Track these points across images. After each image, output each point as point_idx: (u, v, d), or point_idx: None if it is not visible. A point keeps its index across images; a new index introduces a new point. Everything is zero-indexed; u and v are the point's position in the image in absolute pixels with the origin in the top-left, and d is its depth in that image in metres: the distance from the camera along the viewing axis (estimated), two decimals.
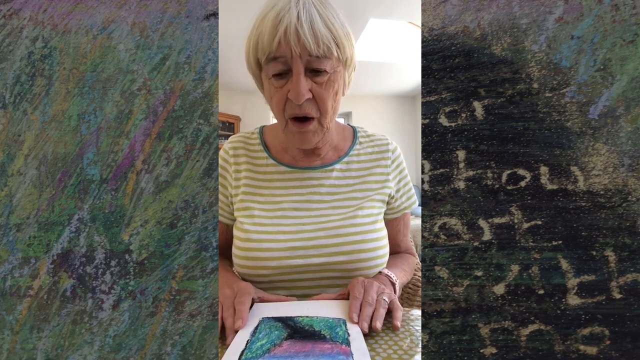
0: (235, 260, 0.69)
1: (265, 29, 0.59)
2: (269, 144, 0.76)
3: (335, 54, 0.61)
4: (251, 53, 0.65)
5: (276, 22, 0.58)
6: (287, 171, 0.73)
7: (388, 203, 0.76)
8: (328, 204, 0.71)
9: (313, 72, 0.61)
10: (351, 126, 0.81)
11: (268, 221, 0.68)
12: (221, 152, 0.76)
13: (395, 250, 0.81)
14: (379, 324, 0.51)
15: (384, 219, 0.75)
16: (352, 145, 0.76)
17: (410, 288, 0.92)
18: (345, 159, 0.74)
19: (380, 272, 0.68)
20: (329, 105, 0.63)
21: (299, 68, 0.59)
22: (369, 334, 0.50)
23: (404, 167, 0.78)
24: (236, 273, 0.73)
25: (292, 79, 0.60)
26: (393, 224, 0.78)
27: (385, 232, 0.72)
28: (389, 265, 0.72)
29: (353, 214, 0.69)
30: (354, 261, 0.66)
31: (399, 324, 0.52)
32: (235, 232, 0.70)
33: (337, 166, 0.73)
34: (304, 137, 0.65)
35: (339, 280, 0.67)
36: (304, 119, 0.64)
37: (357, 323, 0.51)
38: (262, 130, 0.79)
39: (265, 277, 0.66)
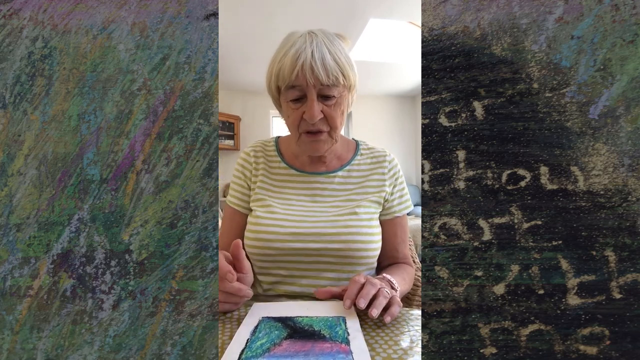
0: (246, 241, 0.80)
1: (286, 63, 0.74)
2: (283, 151, 0.90)
3: (342, 82, 0.75)
4: (272, 81, 0.79)
5: (295, 58, 0.73)
6: (296, 174, 0.86)
7: (383, 206, 0.85)
8: (329, 203, 0.82)
9: (324, 97, 0.75)
10: (355, 140, 0.93)
11: (277, 209, 0.80)
12: (243, 154, 0.91)
13: (393, 256, 0.85)
14: (375, 312, 0.55)
15: (380, 219, 0.85)
16: (354, 156, 0.89)
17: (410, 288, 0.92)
18: (347, 168, 0.87)
19: (383, 277, 0.70)
20: (338, 122, 0.77)
21: (312, 95, 0.74)
22: (369, 334, 0.50)
23: (400, 176, 0.89)
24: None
25: (307, 103, 0.74)
26: (388, 227, 0.85)
27: (379, 230, 0.81)
28: (390, 273, 0.75)
29: (352, 210, 0.80)
30: (348, 249, 0.76)
31: (389, 319, 0.55)
32: (249, 219, 0.82)
33: (340, 173, 0.86)
34: (316, 146, 0.79)
35: (334, 266, 0.77)
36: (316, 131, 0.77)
37: (360, 296, 0.55)
38: (278, 140, 0.93)
39: (270, 256, 0.77)
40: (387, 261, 0.84)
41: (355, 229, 0.77)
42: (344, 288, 0.64)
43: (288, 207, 0.81)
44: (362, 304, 0.54)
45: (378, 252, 0.80)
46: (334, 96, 0.75)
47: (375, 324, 0.55)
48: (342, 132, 0.90)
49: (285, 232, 0.76)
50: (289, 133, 0.86)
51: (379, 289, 0.58)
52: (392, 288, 0.69)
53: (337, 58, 0.74)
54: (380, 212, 0.84)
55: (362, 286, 0.59)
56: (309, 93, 0.74)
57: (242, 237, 0.83)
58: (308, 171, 0.86)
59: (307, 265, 0.77)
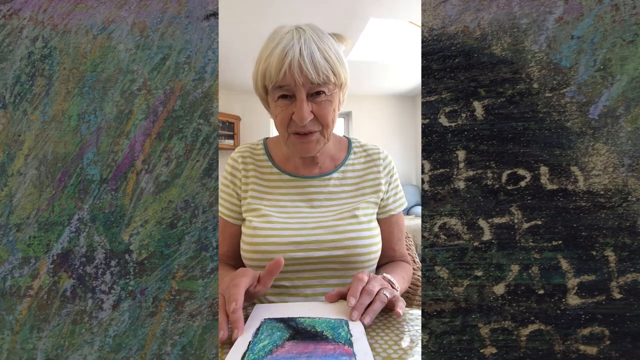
0: (243, 254, 0.77)
1: (273, 62, 0.70)
2: (273, 154, 0.86)
3: (333, 80, 0.71)
4: (259, 80, 0.75)
5: (282, 56, 0.69)
6: (290, 179, 0.83)
7: (379, 205, 0.84)
8: (327, 208, 0.80)
9: (314, 95, 0.71)
10: (346, 137, 0.90)
11: (274, 219, 0.77)
12: (230, 160, 0.86)
13: (390, 255, 0.85)
14: (367, 319, 0.54)
15: (377, 218, 0.83)
16: (347, 156, 0.86)
17: (410, 288, 0.92)
18: (342, 168, 0.84)
19: (383, 277, 0.70)
20: (330, 119, 0.74)
21: (301, 95, 0.70)
22: (369, 334, 0.50)
23: (394, 173, 0.87)
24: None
25: (296, 104, 0.71)
26: (385, 226, 0.84)
27: (378, 231, 0.80)
28: (389, 272, 0.75)
29: (350, 213, 0.78)
30: (351, 255, 0.74)
31: (401, 311, 0.56)
32: (244, 230, 0.79)
33: (334, 175, 0.83)
34: (307, 147, 0.75)
35: (337, 272, 0.76)
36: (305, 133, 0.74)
37: (353, 307, 0.54)
38: (266, 142, 0.89)
39: None
40: (384, 260, 0.84)
41: (356, 233, 0.75)
42: (347, 287, 0.63)
43: (285, 215, 0.78)
44: (356, 316, 0.53)
45: (379, 253, 0.79)
46: (324, 93, 0.72)
47: (374, 324, 0.55)
48: (342, 133, 0.89)
49: (285, 242, 0.74)
50: (277, 134, 0.83)
51: (377, 292, 0.58)
52: (393, 288, 0.69)
53: (326, 55, 0.70)
54: (377, 211, 0.83)
55: (366, 284, 0.58)
56: (298, 93, 0.70)
57: (236, 249, 0.81)
58: (301, 175, 0.83)
59: (310, 274, 0.75)
